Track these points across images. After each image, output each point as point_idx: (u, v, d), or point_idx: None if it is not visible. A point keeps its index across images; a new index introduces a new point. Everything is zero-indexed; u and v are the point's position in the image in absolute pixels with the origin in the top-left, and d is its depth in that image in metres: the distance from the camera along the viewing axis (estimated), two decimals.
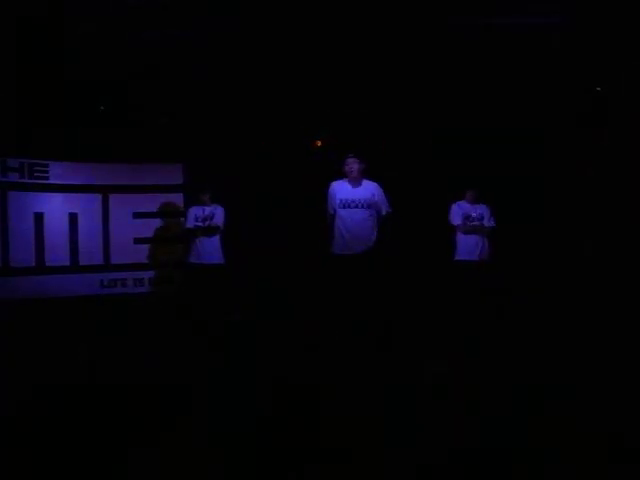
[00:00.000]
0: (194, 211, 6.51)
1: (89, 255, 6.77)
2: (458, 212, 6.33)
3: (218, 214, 6.47)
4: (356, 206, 5.90)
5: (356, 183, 5.93)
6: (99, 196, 6.87)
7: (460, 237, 6.34)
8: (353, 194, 5.91)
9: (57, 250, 6.59)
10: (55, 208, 6.61)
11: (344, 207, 5.91)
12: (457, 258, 6.35)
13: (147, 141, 6.66)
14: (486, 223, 6.30)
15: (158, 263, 6.99)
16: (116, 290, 6.84)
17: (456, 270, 6.32)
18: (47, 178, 6.55)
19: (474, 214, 6.32)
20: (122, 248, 6.91)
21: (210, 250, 6.40)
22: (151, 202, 7.03)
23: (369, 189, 5.96)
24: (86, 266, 6.76)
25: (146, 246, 6.99)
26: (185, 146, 6.93)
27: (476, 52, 5.49)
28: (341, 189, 5.95)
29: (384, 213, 5.96)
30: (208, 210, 6.49)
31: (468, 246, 6.27)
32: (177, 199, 7.07)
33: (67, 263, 6.66)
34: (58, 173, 6.62)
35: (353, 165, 5.86)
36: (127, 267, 6.92)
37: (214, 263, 6.40)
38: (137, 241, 6.96)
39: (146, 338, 5.63)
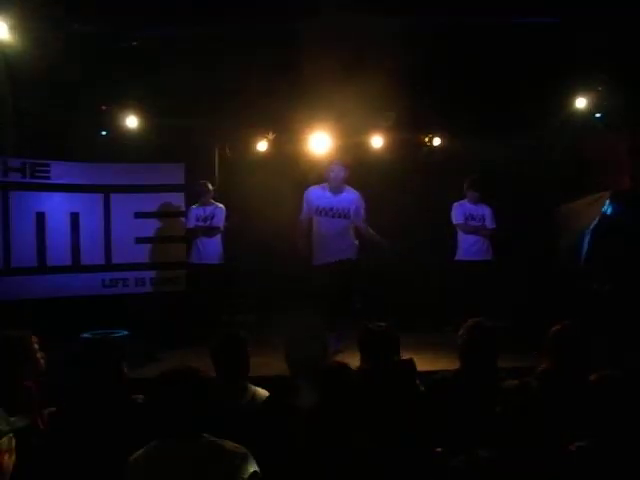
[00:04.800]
0: (195, 211, 6.52)
1: (90, 255, 6.77)
2: (460, 211, 6.34)
3: (218, 214, 6.48)
4: (332, 215, 5.67)
5: (337, 191, 5.70)
6: (100, 196, 6.86)
7: (461, 237, 6.35)
8: (332, 202, 5.68)
9: (58, 250, 6.58)
10: (56, 208, 6.59)
11: (320, 215, 5.68)
12: (458, 258, 6.36)
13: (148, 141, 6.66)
14: (488, 224, 6.30)
15: (159, 263, 6.99)
16: (117, 290, 6.84)
17: (458, 270, 6.33)
18: (48, 178, 6.54)
19: (476, 214, 6.33)
20: (123, 248, 6.89)
21: (211, 250, 6.41)
22: (152, 202, 7.01)
23: (349, 199, 5.73)
24: (87, 266, 6.75)
25: (147, 246, 6.98)
26: (186, 146, 6.94)
27: (476, 51, 5.49)
28: (320, 196, 5.74)
29: (359, 225, 5.74)
30: (209, 210, 6.49)
31: (469, 246, 6.28)
32: (178, 199, 7.06)
33: (68, 263, 6.65)
34: (59, 173, 6.60)
35: (338, 173, 5.65)
36: (128, 267, 6.90)
37: (215, 263, 6.41)
38: (138, 241, 6.95)
39: (147, 338, 5.65)
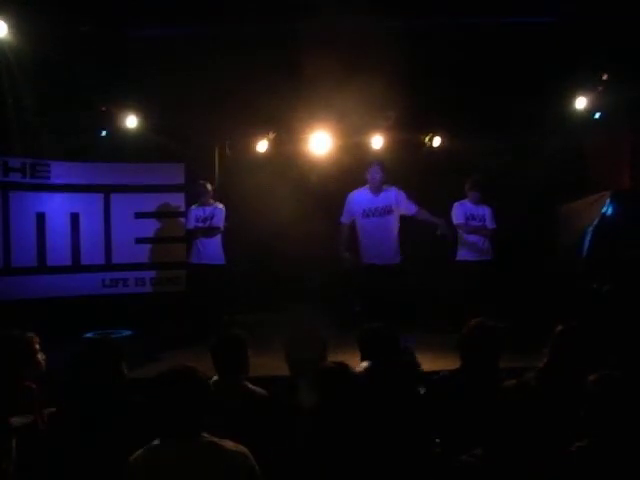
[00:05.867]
0: (195, 211, 6.51)
1: (91, 255, 6.77)
2: (461, 211, 6.34)
3: (218, 214, 6.47)
4: (379, 214, 6.06)
5: (377, 191, 6.07)
6: (100, 196, 6.87)
7: (462, 237, 6.35)
8: (375, 202, 6.07)
9: (58, 250, 6.59)
10: (56, 208, 6.61)
11: (367, 216, 6.07)
12: (459, 258, 6.36)
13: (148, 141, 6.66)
14: (488, 224, 6.30)
15: (159, 263, 6.99)
16: (118, 290, 6.84)
17: (458, 270, 6.33)
18: (48, 178, 6.55)
19: (476, 214, 6.33)
20: (123, 248, 6.91)
21: (211, 250, 6.41)
22: (152, 202, 7.03)
23: (389, 194, 6.12)
24: (87, 266, 6.77)
25: (147, 246, 6.99)
26: (186, 146, 6.93)
27: (476, 51, 5.49)
28: (363, 198, 6.12)
29: (412, 213, 6.12)
30: (209, 210, 6.49)
31: (470, 246, 6.28)
32: (178, 199, 7.07)
33: (69, 263, 6.66)
34: (59, 173, 6.62)
35: (375, 174, 6.03)
36: (128, 267, 6.92)
37: (215, 264, 6.41)
38: (138, 241, 6.96)
39: (147, 338, 5.65)
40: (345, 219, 6.15)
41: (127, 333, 5.28)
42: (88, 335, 5.14)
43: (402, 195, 6.16)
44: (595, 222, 5.92)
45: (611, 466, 2.15)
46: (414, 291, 6.39)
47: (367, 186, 6.13)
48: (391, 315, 5.46)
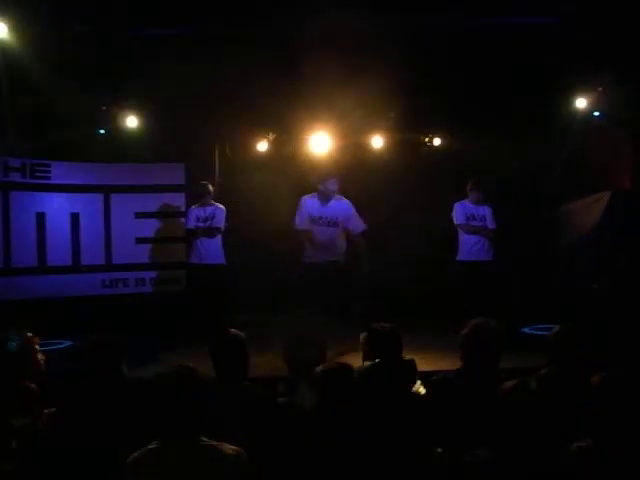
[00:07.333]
0: (195, 211, 6.52)
1: (91, 255, 6.76)
2: (461, 212, 6.33)
3: (219, 214, 6.48)
4: (323, 224, 6.03)
5: (327, 201, 6.04)
6: (101, 196, 6.86)
7: (463, 237, 6.34)
8: (322, 211, 6.03)
9: (59, 250, 6.57)
10: (57, 208, 6.59)
11: (314, 223, 6.04)
12: (459, 259, 6.35)
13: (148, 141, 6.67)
14: (489, 225, 6.29)
15: (159, 263, 6.98)
16: (118, 290, 6.84)
17: (458, 270, 6.33)
18: (49, 178, 6.54)
19: (477, 214, 6.32)
20: (123, 248, 6.89)
21: (211, 251, 6.41)
22: (152, 202, 7.01)
23: (337, 207, 6.06)
24: (88, 266, 6.75)
25: (147, 246, 6.98)
26: (186, 146, 6.94)
27: (476, 51, 5.49)
28: (312, 205, 6.08)
29: (358, 232, 6.09)
30: (209, 210, 6.49)
31: (471, 247, 6.27)
32: (179, 199, 7.05)
33: (69, 263, 6.65)
34: (60, 173, 6.60)
35: (334, 187, 5.98)
36: (129, 267, 6.90)
37: (215, 264, 6.41)
38: (138, 241, 6.95)
39: (147, 338, 5.64)
40: (301, 224, 6.08)
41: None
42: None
43: (352, 210, 6.11)
44: (596, 224, 5.92)
45: (612, 466, 2.15)
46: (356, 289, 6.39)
47: (317, 194, 6.07)
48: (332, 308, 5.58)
